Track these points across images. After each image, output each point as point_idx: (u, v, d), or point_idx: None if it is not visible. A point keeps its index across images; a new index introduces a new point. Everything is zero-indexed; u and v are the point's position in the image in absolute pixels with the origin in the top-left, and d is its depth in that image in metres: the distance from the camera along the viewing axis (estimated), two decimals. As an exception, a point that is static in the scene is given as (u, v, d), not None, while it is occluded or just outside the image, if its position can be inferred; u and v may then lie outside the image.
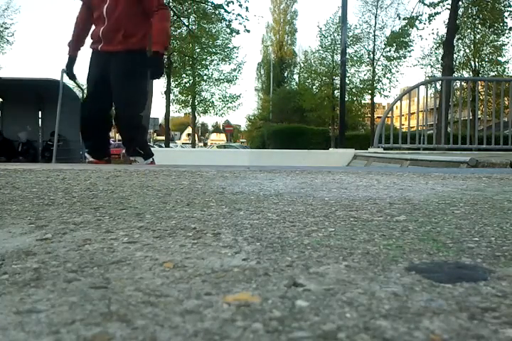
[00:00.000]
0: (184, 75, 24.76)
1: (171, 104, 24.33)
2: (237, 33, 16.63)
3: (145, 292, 0.53)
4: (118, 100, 3.65)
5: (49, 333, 0.42)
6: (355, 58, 26.62)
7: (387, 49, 25.48)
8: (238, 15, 15.62)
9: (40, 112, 8.91)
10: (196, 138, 39.14)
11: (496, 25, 18.12)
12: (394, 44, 22.95)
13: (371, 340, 0.41)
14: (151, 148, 4.06)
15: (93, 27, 3.70)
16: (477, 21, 19.20)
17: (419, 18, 16.93)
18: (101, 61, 3.63)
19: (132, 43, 3.57)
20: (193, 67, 24.38)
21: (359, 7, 35.28)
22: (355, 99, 27.57)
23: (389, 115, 6.79)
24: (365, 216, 1.06)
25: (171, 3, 18.18)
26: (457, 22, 16.51)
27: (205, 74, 25.76)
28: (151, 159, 3.80)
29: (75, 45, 3.83)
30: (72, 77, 4.00)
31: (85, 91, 4.41)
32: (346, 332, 0.42)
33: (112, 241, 0.80)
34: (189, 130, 54.31)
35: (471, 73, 24.66)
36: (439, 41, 20.96)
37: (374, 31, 27.18)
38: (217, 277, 0.59)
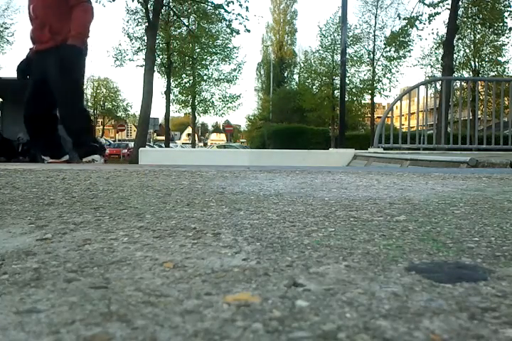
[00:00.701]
0: (184, 75, 24.76)
1: (171, 104, 24.33)
2: (237, 33, 16.65)
3: (145, 292, 0.53)
4: (59, 97, 3.62)
5: (49, 333, 0.42)
6: (355, 58, 26.62)
7: (387, 49, 25.49)
8: (238, 15, 15.64)
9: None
10: (196, 138, 39.13)
11: (496, 25, 18.10)
12: (393, 44, 22.95)
13: (371, 340, 0.41)
14: (154, 147, 4.08)
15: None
16: (477, 21, 19.18)
17: (419, 18, 16.91)
18: (37, 61, 3.65)
19: (61, 39, 3.55)
20: (193, 67, 24.39)
21: (359, 7, 35.36)
22: (355, 99, 27.57)
23: (389, 115, 6.78)
24: (365, 216, 1.06)
25: (171, 3, 18.20)
26: (457, 22, 16.49)
27: (205, 74, 25.78)
28: (102, 156, 3.77)
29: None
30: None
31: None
32: (346, 332, 0.42)
33: (111, 241, 0.80)
34: (189, 130, 54.32)
35: (471, 73, 24.66)
36: (439, 41, 20.95)
37: (374, 31, 27.21)
38: (217, 277, 0.59)
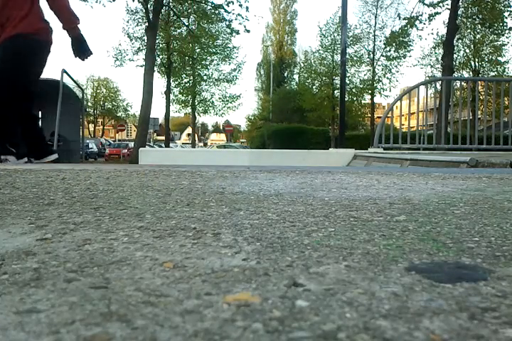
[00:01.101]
0: (184, 75, 24.77)
1: (171, 104, 24.34)
2: (237, 33, 16.67)
3: (145, 292, 0.53)
4: None
5: (49, 333, 0.42)
6: (355, 58, 26.64)
7: (387, 49, 25.51)
8: (238, 15, 15.67)
9: (40, 112, 8.90)
10: (196, 138, 39.14)
11: (496, 25, 18.11)
12: (393, 44, 22.98)
13: (371, 340, 0.41)
14: (154, 147, 3.92)
15: None
16: (477, 21, 19.19)
17: (419, 18, 16.93)
18: None
19: (9, 31, 3.46)
20: (193, 67, 24.40)
21: (359, 7, 35.46)
22: (355, 99, 27.58)
23: (389, 115, 6.78)
24: (365, 216, 1.06)
25: (171, 3, 18.21)
26: (457, 22, 16.50)
27: (205, 74, 25.79)
28: (25, 159, 3.58)
29: None
30: None
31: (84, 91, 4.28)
32: (346, 332, 0.42)
33: (111, 241, 0.80)
34: (189, 130, 54.36)
35: (471, 73, 24.68)
36: (439, 41, 20.97)
37: (374, 31, 27.23)
38: (217, 277, 0.59)
